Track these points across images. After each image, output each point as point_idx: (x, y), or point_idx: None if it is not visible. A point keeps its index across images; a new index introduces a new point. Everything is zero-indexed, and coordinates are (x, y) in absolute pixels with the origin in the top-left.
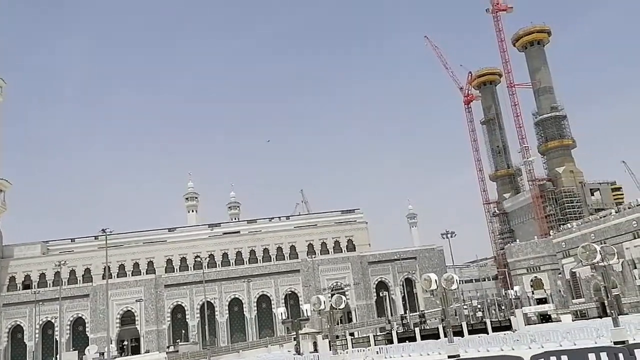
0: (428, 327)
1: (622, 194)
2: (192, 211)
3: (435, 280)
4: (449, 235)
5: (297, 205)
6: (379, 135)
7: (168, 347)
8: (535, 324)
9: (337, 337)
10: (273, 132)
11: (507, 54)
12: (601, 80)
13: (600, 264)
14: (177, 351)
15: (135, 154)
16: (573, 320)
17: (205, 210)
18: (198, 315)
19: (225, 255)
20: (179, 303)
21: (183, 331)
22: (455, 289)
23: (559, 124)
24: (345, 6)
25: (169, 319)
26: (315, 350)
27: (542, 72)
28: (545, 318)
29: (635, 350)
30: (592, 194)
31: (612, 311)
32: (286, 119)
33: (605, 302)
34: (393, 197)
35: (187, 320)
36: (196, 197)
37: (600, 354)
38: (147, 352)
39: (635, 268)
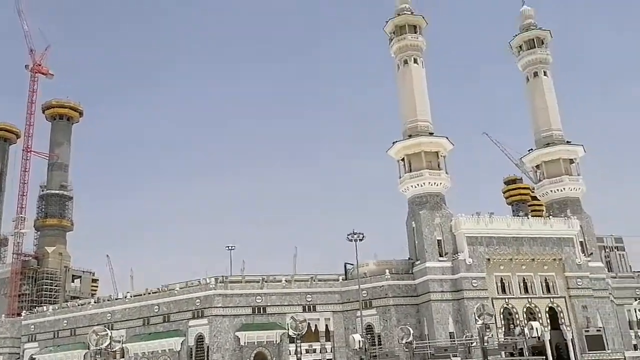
0: None
1: (97, 286)
2: None
3: None
4: None
5: None
6: None
7: None
8: None
9: None
10: None
11: (34, 118)
12: (116, 173)
13: (109, 350)
14: None
15: None
16: None
17: None
18: None
19: None
20: None
21: None
22: None
23: (63, 203)
24: None
25: None
26: None
27: (63, 148)
28: None
29: None
30: (73, 281)
31: None
32: None
33: None
34: None
35: None
36: None
37: None
38: None
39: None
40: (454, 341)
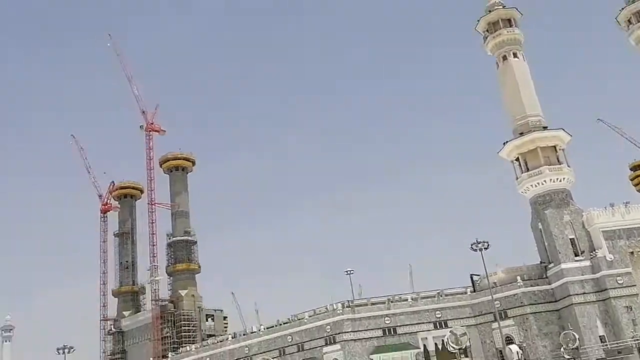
0: None
1: (227, 323)
2: None
3: None
4: (65, 351)
5: None
6: None
7: None
8: None
9: None
10: None
11: (153, 173)
12: (231, 213)
13: None
14: None
15: None
16: None
17: None
18: None
19: None
20: None
21: None
22: None
23: (189, 248)
24: None
25: None
26: None
27: (182, 197)
28: None
29: None
30: (207, 320)
31: None
32: None
33: None
34: None
35: None
36: None
37: None
38: None
39: None
40: (627, 342)
